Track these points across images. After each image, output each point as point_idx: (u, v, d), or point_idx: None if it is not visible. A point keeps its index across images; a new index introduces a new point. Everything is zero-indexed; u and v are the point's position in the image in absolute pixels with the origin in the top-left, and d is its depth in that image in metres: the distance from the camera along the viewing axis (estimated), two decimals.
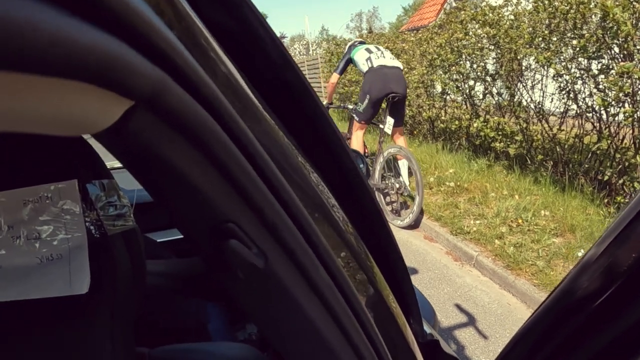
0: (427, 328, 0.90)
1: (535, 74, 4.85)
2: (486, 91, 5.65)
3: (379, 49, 4.66)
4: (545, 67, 4.44)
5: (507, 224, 4.07)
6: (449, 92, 6.37)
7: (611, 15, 3.31)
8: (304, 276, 0.44)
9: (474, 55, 5.40)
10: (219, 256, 0.43)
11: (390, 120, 4.58)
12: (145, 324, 0.76)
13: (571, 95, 4.34)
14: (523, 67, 4.97)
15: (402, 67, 4.66)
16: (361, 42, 5.05)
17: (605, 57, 3.69)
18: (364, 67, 4.55)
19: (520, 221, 4.07)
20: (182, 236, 1.32)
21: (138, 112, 0.31)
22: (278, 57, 0.52)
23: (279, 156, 0.44)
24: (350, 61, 4.88)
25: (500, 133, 5.32)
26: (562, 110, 4.78)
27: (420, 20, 14.83)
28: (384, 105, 4.62)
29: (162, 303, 1.04)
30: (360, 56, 4.64)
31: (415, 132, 7.99)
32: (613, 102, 3.66)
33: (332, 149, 0.59)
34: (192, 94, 0.32)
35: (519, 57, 4.84)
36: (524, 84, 5.06)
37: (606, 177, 4.01)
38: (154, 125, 0.32)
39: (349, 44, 5.13)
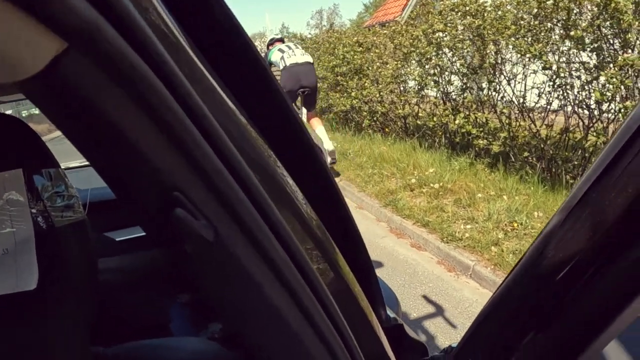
0: (390, 313, 0.90)
1: (523, 67, 4.61)
2: (465, 86, 5.39)
3: (290, 48, 5.32)
4: (534, 60, 4.19)
5: (501, 228, 3.80)
6: (426, 87, 6.09)
7: (613, 5, 3.06)
8: (261, 254, 0.42)
9: (454, 48, 5.12)
10: (166, 229, 0.40)
11: (303, 111, 5.51)
12: (104, 321, 0.71)
13: (561, 89, 4.11)
14: (506, 60, 4.73)
15: (312, 61, 5.41)
16: (279, 40, 5.72)
17: (604, 48, 3.46)
18: (280, 66, 5.22)
19: (515, 225, 3.80)
20: (142, 234, 1.30)
21: (70, 56, 0.30)
22: (227, 24, 0.49)
23: (230, 126, 0.41)
24: (271, 64, 5.45)
25: (482, 130, 5.08)
26: (548, 105, 4.58)
27: (385, 16, 14.58)
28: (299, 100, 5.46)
29: (122, 301, 0.99)
30: (275, 57, 5.32)
31: (387, 130, 7.70)
32: (616, 96, 3.43)
33: (287, 124, 0.57)
34: (130, 42, 0.31)
35: (503, 50, 4.59)
36: (508, 78, 4.82)
37: None
38: (87, 71, 0.31)
39: (268, 41, 5.84)
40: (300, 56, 5.24)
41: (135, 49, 0.31)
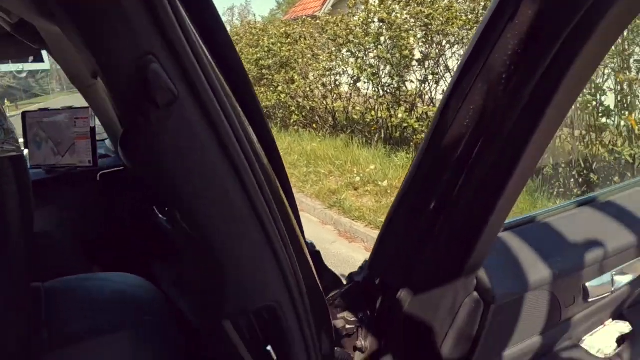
0: (309, 240, 0.92)
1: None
2: (404, 79, 5.17)
3: None
4: None
5: None
6: (364, 80, 5.78)
7: None
8: (212, 127, 0.52)
9: (396, 39, 4.85)
10: (140, 86, 0.47)
11: None
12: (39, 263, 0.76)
13: None
14: (453, 52, 4.56)
15: None
16: None
17: None
18: None
19: None
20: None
21: None
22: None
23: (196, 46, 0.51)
24: None
25: (422, 124, 4.88)
26: None
27: (304, 10, 14.20)
28: None
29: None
30: None
31: (315, 126, 7.33)
32: None
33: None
34: None
35: (452, 41, 4.40)
36: (452, 71, 4.65)
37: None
38: None
39: None
40: None
41: None
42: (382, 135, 5.82)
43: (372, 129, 5.97)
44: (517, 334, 0.88)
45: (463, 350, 0.81)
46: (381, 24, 5.01)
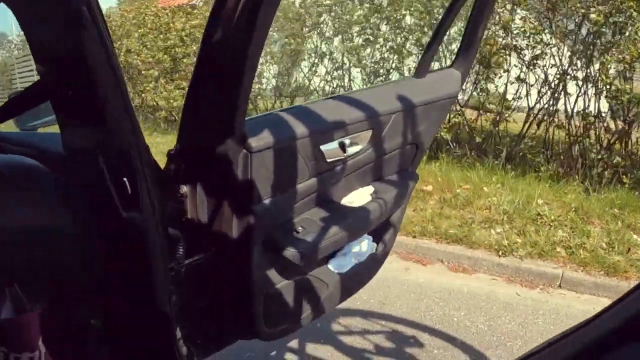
0: None
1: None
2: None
3: None
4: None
5: None
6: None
7: None
8: (100, 38, 0.83)
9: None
10: (73, 14, 0.80)
11: None
12: None
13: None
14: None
15: None
16: None
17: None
18: None
19: None
20: None
21: None
22: None
23: None
24: None
25: None
26: None
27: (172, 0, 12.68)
28: None
29: None
30: None
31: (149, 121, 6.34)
32: None
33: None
34: None
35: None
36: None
37: None
38: None
39: None
40: None
41: None
42: None
43: None
44: (281, 179, 1.19)
45: (250, 190, 1.12)
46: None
